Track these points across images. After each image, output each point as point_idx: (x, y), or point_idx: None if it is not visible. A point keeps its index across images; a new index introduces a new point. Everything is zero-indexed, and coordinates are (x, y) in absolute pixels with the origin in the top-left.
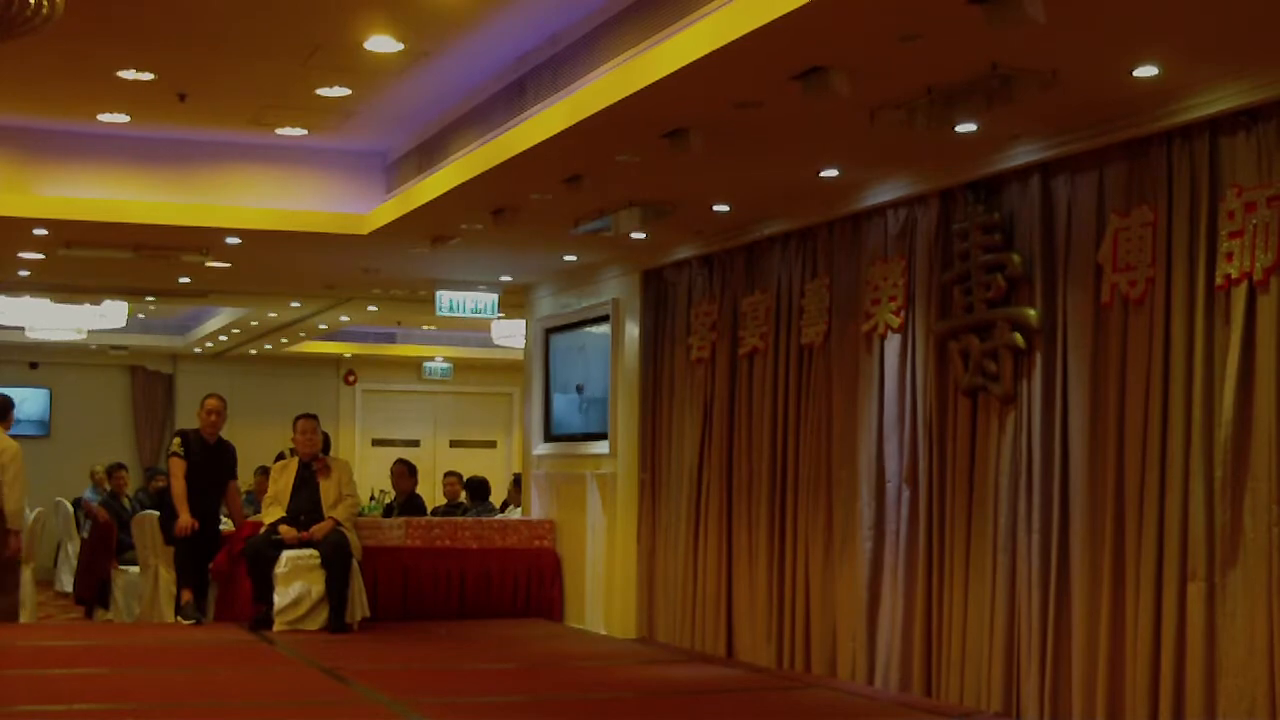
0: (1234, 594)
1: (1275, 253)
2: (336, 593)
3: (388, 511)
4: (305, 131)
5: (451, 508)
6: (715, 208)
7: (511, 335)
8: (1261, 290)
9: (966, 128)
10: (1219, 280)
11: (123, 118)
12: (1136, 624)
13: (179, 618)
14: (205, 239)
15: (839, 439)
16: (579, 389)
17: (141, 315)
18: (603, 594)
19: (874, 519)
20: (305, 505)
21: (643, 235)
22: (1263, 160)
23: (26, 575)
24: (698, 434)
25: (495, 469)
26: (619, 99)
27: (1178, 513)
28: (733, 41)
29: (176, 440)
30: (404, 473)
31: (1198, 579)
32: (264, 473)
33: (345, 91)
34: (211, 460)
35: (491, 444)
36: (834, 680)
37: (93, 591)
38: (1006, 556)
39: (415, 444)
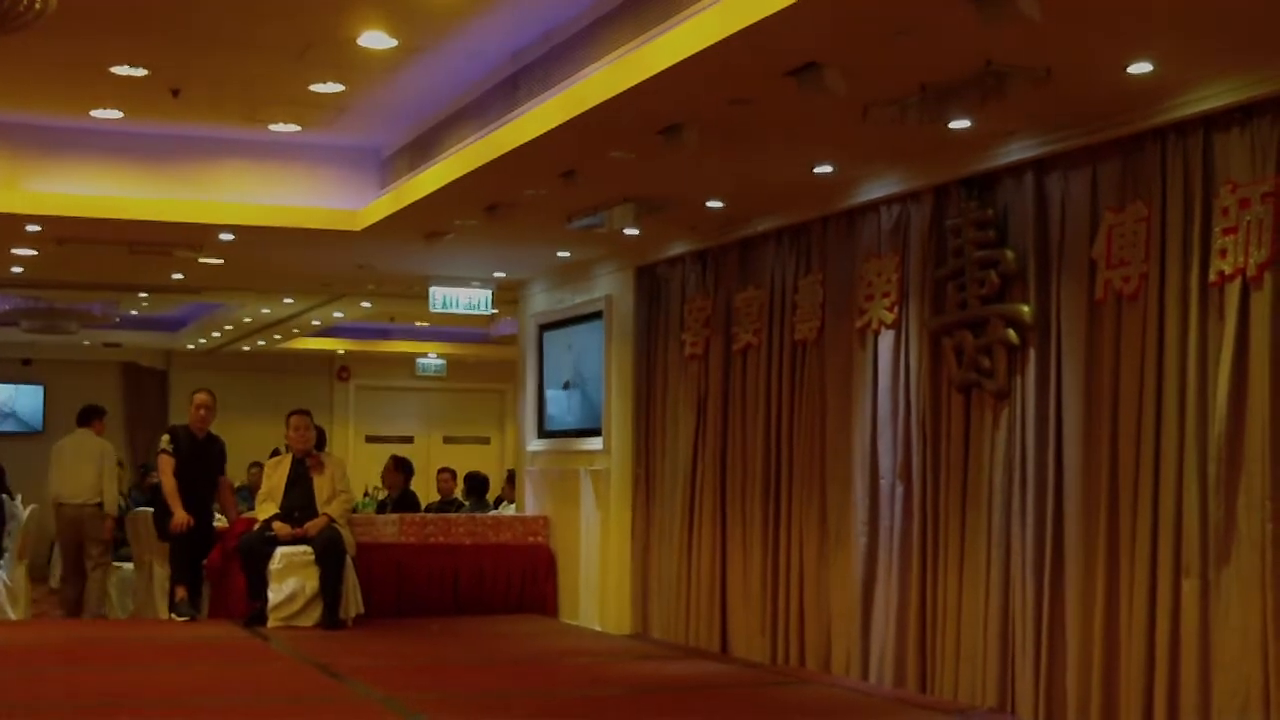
0: (1228, 589)
1: (1269, 249)
2: (330, 589)
3: (381, 508)
4: (299, 127)
5: (445, 504)
6: (709, 204)
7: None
8: (1255, 286)
9: (960, 124)
10: (1213, 276)
11: (116, 114)
12: (1131, 619)
13: (173, 614)
14: (198, 235)
15: (833, 435)
16: (566, 386)
17: (134, 312)
18: (597, 590)
19: (868, 515)
20: (299, 501)
21: (636, 231)
22: (1256, 156)
23: (20, 572)
24: (691, 430)
25: (489, 465)
26: (613, 95)
27: (1171, 508)
28: (726, 38)
29: (165, 438)
30: (392, 469)
31: (1192, 574)
32: (259, 468)
33: (339, 87)
34: (201, 455)
35: (485, 440)
36: (828, 676)
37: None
38: (1000, 552)
39: (409, 440)
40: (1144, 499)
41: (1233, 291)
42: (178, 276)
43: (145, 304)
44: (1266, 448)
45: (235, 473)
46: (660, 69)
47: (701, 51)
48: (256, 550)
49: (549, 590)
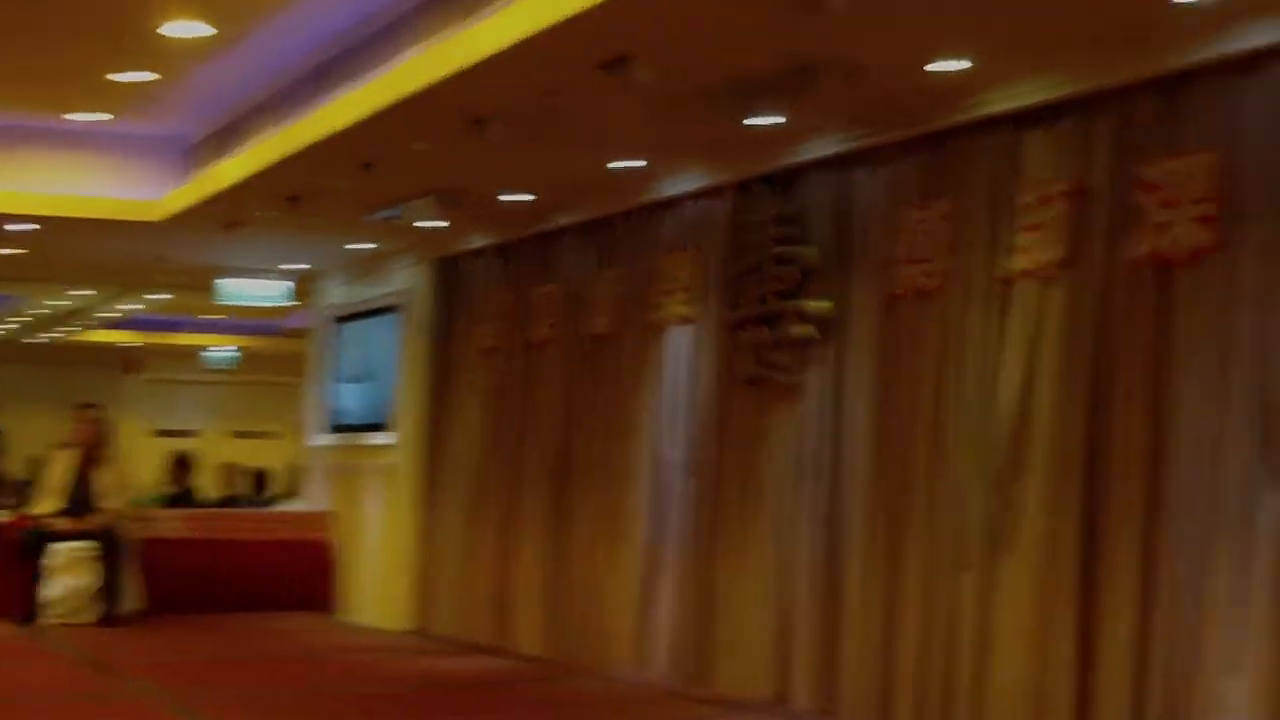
0: (1008, 583)
1: (1067, 247)
2: (110, 584)
3: (165, 503)
4: (110, 116)
5: (230, 499)
6: (511, 197)
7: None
8: (1051, 284)
9: (767, 119)
10: (1010, 273)
11: None
12: (911, 612)
13: None
14: None
15: (625, 429)
16: (358, 379)
17: None
18: (381, 586)
19: (655, 508)
20: (80, 496)
21: (436, 223)
22: (1059, 156)
23: None
24: (485, 425)
25: (278, 459)
26: (419, 87)
27: (956, 502)
28: (537, 30)
29: None
30: (174, 464)
31: (972, 568)
32: (43, 463)
33: (150, 76)
34: None
35: (275, 434)
36: (607, 670)
37: None
38: (784, 546)
39: (196, 434)
40: (929, 493)
41: (1030, 289)
42: None
43: None
44: (1052, 444)
45: (19, 466)
46: (469, 61)
47: (512, 44)
48: (35, 545)
49: (332, 586)
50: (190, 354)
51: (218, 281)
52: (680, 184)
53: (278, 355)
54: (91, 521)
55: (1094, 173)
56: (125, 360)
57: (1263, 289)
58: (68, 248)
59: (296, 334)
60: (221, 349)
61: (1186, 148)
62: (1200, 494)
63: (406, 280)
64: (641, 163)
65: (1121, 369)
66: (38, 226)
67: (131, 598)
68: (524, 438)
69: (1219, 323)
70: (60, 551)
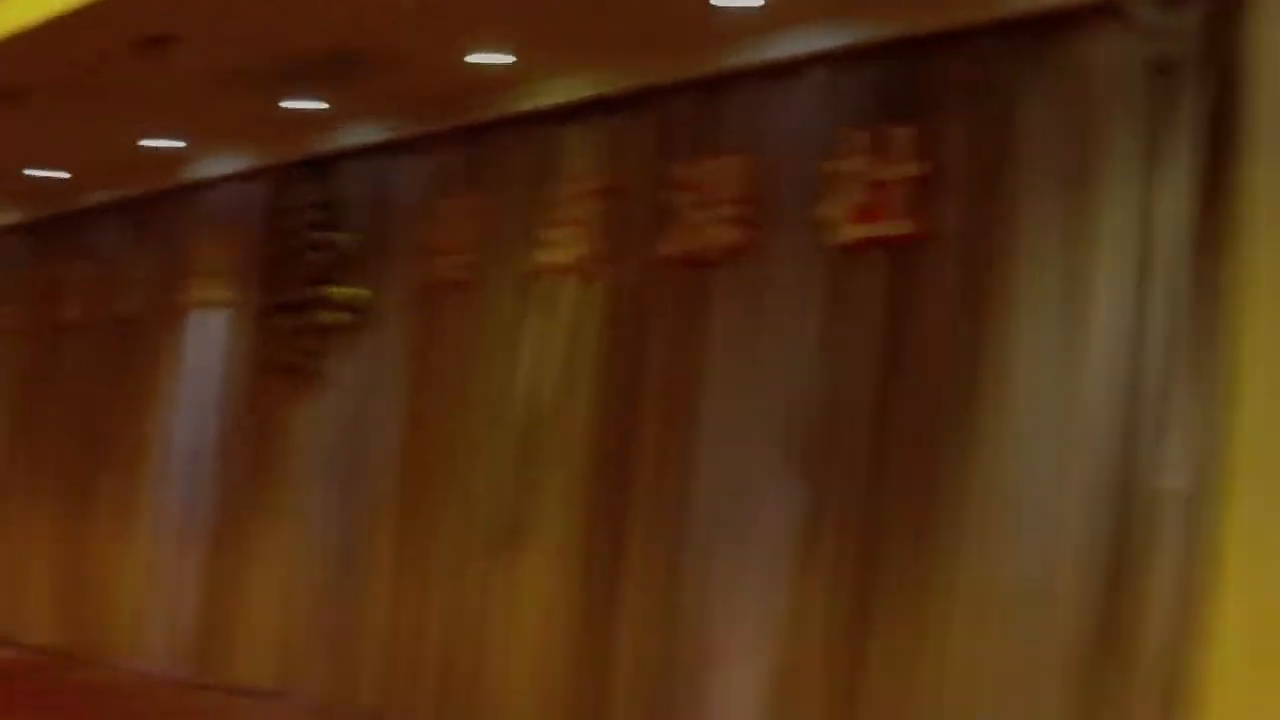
0: (530, 579)
1: (601, 243)
2: None
3: None
4: None
5: None
6: (41, 173)
7: None
8: (586, 278)
9: (307, 104)
10: (545, 266)
11: None
12: (434, 605)
13: None
14: None
15: (151, 414)
16: None
17: None
18: None
19: (175, 495)
20: None
21: None
22: (597, 153)
23: None
24: (5, 408)
25: None
26: None
27: (482, 496)
28: (71, 6)
29: None
30: None
31: (497, 562)
32: None
33: None
34: None
35: None
36: (118, 659)
37: None
38: (305, 536)
39: None
40: (456, 486)
41: (564, 284)
42: None
43: None
44: (581, 440)
45: None
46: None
47: (42, 19)
48: None
49: None
50: None
51: None
52: (218, 166)
53: None
54: None
55: (631, 170)
56: None
57: (789, 288)
58: None
59: None
60: None
61: (722, 149)
62: (723, 489)
63: None
64: (179, 143)
65: (653, 365)
66: None
67: None
68: (46, 422)
69: (748, 321)
70: None
